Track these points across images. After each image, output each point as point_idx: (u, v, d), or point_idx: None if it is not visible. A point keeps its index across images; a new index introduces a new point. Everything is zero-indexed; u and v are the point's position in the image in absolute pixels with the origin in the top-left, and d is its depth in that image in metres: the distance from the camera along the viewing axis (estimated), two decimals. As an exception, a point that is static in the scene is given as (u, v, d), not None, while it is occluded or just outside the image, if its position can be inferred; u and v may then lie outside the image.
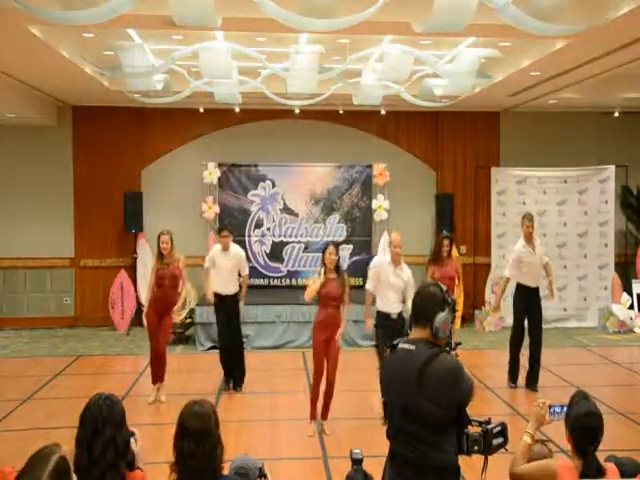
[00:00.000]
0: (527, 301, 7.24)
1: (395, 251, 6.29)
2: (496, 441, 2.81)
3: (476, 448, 2.78)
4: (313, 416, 6.09)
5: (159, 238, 7.06)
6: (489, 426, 2.80)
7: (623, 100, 10.47)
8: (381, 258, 6.46)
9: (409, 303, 6.24)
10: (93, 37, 6.86)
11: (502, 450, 2.85)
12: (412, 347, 2.81)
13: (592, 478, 2.79)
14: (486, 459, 2.81)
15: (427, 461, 2.73)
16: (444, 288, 2.91)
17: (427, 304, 2.84)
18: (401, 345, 2.86)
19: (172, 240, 7.04)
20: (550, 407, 3.02)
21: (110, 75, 8.07)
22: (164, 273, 7.00)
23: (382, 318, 6.30)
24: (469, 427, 2.80)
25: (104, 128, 10.76)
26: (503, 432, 2.84)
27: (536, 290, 7.28)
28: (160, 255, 7.04)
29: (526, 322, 7.35)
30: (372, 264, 6.52)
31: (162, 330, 7.07)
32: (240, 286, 7.39)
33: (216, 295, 7.30)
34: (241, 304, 7.42)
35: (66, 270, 10.91)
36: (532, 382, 7.25)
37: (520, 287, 7.31)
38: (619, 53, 6.96)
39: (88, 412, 2.68)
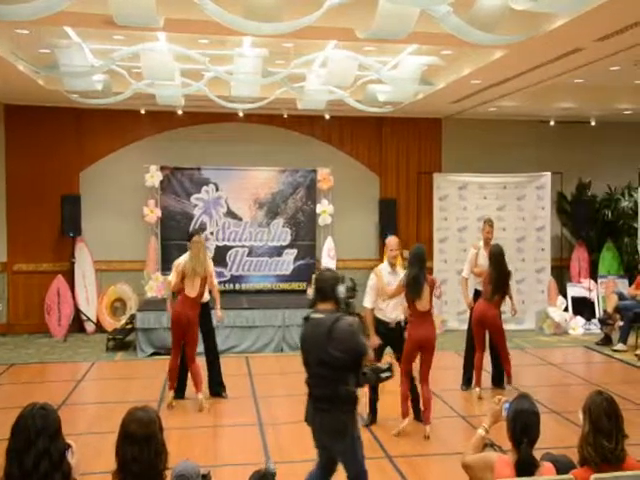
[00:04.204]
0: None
1: (392, 254, 6.35)
2: (384, 374, 4.03)
3: (372, 380, 4.02)
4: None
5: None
6: (379, 364, 4.13)
7: (558, 110, 10.85)
8: (379, 269, 6.42)
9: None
10: (27, 34, 6.63)
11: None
12: (322, 315, 3.87)
13: (525, 470, 2.95)
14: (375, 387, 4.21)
15: (336, 393, 3.81)
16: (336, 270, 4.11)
17: (327, 284, 3.94)
18: (312, 316, 3.93)
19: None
20: (505, 404, 3.24)
21: (46, 74, 7.81)
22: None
23: (380, 326, 6.22)
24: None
25: (39, 128, 10.42)
26: (390, 369, 4.06)
27: None
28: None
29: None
30: (371, 279, 6.35)
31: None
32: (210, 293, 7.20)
33: None
34: (217, 312, 7.20)
35: (-2, 275, 10.52)
36: (499, 381, 7.39)
37: (477, 293, 7.47)
38: (555, 64, 7.21)
39: (21, 422, 2.59)
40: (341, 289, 3.91)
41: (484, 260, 7.37)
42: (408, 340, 6.10)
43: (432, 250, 10.99)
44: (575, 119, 11.52)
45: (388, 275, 6.31)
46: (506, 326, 10.88)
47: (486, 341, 7.29)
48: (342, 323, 3.78)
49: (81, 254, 10.50)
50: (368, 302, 6.27)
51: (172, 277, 6.88)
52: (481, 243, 7.67)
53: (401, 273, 6.36)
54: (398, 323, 6.31)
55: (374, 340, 6.10)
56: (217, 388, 7.28)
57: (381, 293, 6.21)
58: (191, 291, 6.72)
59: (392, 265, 6.38)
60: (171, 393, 6.90)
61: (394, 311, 6.29)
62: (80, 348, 9.59)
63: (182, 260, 6.93)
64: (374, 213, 11.33)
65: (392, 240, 6.54)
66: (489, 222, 7.63)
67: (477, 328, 7.16)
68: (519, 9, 4.72)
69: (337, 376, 3.80)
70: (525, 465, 3.00)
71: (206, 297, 7.09)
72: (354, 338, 3.80)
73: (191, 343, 6.81)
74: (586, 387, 7.23)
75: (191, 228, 10.36)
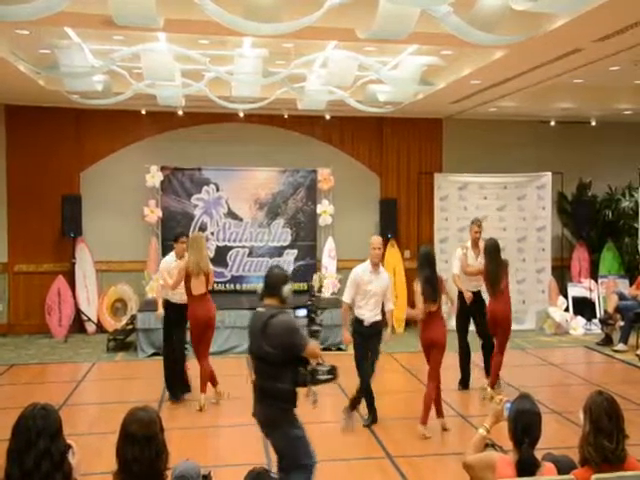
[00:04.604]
0: (470, 305, 7.36)
1: (375, 252, 6.29)
2: (324, 377, 3.97)
3: (307, 380, 3.93)
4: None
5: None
6: (318, 367, 3.97)
7: (559, 110, 10.85)
8: (361, 267, 6.42)
9: (389, 305, 6.29)
10: (27, 34, 6.63)
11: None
12: (264, 309, 4.02)
13: (526, 470, 2.95)
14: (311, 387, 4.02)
15: (269, 387, 3.93)
16: (285, 268, 4.31)
17: (274, 281, 4.09)
18: (257, 309, 4.09)
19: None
20: (506, 404, 3.24)
21: (46, 74, 7.81)
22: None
23: (359, 325, 6.22)
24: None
25: (40, 129, 10.42)
26: (331, 371, 3.99)
27: (477, 293, 7.44)
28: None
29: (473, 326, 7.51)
30: (352, 274, 6.38)
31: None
32: None
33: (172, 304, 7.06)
34: None
35: (-2, 276, 10.52)
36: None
37: (461, 292, 7.45)
38: (555, 64, 7.21)
39: (21, 423, 2.59)
40: (286, 288, 4.04)
41: (473, 260, 7.37)
42: (420, 340, 6.12)
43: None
44: (575, 119, 11.52)
45: (369, 274, 6.26)
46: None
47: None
48: (277, 319, 3.89)
49: (82, 254, 10.50)
50: (347, 297, 6.30)
51: (165, 278, 6.91)
52: (469, 243, 7.62)
53: (384, 273, 6.34)
54: (375, 323, 6.23)
55: (346, 336, 6.27)
56: (184, 388, 7.16)
57: (360, 292, 6.22)
58: (201, 287, 6.76)
59: (374, 265, 6.32)
60: (203, 395, 6.83)
61: (372, 311, 6.21)
62: (81, 348, 9.59)
63: (170, 259, 6.98)
64: (375, 213, 11.32)
65: (376, 239, 6.46)
66: (477, 222, 7.61)
67: (493, 330, 7.17)
68: (519, 9, 4.72)
69: (271, 371, 3.91)
70: (526, 465, 3.00)
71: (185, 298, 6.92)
72: (288, 335, 3.88)
73: (208, 341, 6.88)
74: (587, 387, 7.22)
75: (192, 229, 10.38)
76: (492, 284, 6.97)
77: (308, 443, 4.06)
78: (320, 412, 6.13)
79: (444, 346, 6.10)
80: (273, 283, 4.08)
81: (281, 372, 3.89)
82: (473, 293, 7.36)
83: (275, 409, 3.99)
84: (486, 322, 7.25)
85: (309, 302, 4.53)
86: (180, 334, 7.08)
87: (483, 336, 7.43)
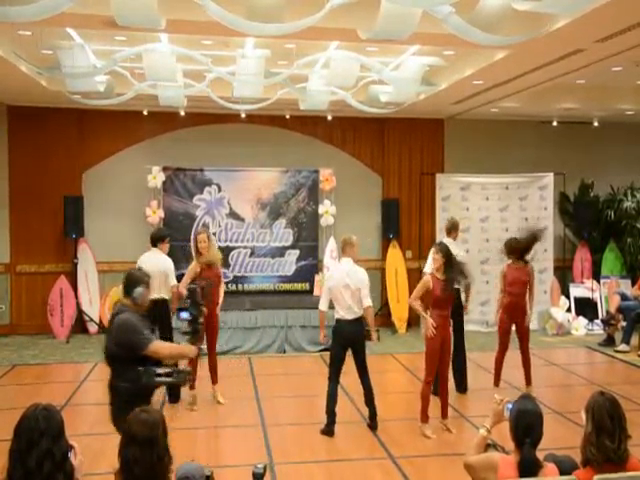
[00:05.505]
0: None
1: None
2: (161, 378, 4.03)
3: (142, 379, 3.96)
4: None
5: (196, 238, 6.89)
6: (160, 368, 4.02)
7: (561, 110, 10.84)
8: (332, 269, 6.37)
9: (367, 300, 6.13)
10: (30, 35, 6.64)
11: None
12: (117, 309, 4.19)
13: (528, 471, 2.95)
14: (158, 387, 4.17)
15: (112, 384, 4.06)
16: (145, 272, 4.35)
17: (129, 281, 4.23)
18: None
19: (210, 237, 6.89)
20: (507, 404, 3.27)
21: (48, 75, 7.82)
22: (209, 275, 6.75)
23: (340, 326, 6.11)
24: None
25: (42, 129, 10.44)
26: (173, 374, 4.06)
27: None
28: (199, 254, 6.83)
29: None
30: (326, 281, 6.35)
31: (214, 332, 6.94)
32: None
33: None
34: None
35: (0, 276, 10.52)
36: (457, 386, 7.33)
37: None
38: (556, 65, 7.20)
39: (23, 423, 2.59)
40: (138, 290, 4.17)
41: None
42: (430, 341, 6.08)
43: (434, 251, 10.99)
44: (577, 119, 11.51)
45: (345, 277, 6.16)
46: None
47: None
48: (119, 318, 4.06)
49: (84, 255, 10.51)
50: (322, 305, 6.21)
51: (173, 279, 6.95)
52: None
53: (360, 269, 6.20)
54: (358, 319, 6.11)
55: (322, 337, 6.32)
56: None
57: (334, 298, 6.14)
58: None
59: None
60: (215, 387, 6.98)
61: (353, 307, 6.08)
62: (83, 349, 9.59)
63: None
64: (377, 214, 11.32)
65: (356, 240, 6.43)
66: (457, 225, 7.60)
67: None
68: (521, 10, 4.72)
69: (114, 368, 4.06)
70: (528, 466, 2.99)
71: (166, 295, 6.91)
72: (126, 333, 3.99)
73: (215, 335, 6.96)
74: (589, 387, 7.22)
75: (193, 229, 10.39)
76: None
77: None
78: (320, 412, 6.17)
79: (450, 348, 6.21)
80: (127, 284, 4.23)
81: (124, 370, 3.98)
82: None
83: (117, 409, 3.99)
84: (460, 327, 7.21)
85: (186, 305, 4.71)
86: (166, 332, 6.78)
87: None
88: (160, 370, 4.03)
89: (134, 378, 3.95)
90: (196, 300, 4.83)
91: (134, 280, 4.23)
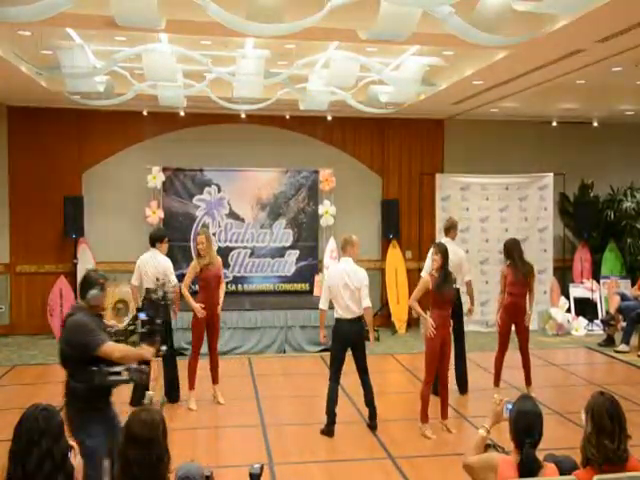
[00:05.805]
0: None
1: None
2: (114, 377, 3.96)
3: (94, 379, 3.94)
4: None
5: (196, 240, 6.91)
6: (117, 367, 3.97)
7: (561, 111, 10.84)
8: (332, 268, 6.36)
9: (366, 301, 6.10)
10: (30, 35, 6.64)
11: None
12: (74, 312, 4.10)
13: (528, 471, 2.94)
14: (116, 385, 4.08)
15: (68, 385, 4.08)
16: (101, 273, 4.29)
17: (83, 283, 4.18)
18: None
19: (209, 238, 6.86)
20: (506, 404, 3.27)
21: (48, 75, 7.83)
22: (208, 275, 6.78)
23: (340, 325, 6.11)
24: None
25: (42, 129, 10.44)
26: (128, 371, 3.96)
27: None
28: (199, 256, 6.85)
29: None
30: (326, 280, 6.34)
31: (215, 332, 6.97)
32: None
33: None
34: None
35: (0, 276, 10.51)
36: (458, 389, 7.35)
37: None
38: (557, 65, 7.20)
39: (23, 424, 2.58)
40: (92, 293, 4.15)
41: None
42: (430, 342, 6.07)
43: (434, 251, 10.99)
44: (577, 120, 11.51)
45: (345, 276, 6.12)
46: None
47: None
48: (71, 319, 4.06)
49: (83, 255, 10.49)
50: (322, 304, 6.20)
51: (174, 279, 6.89)
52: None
53: (360, 269, 6.18)
54: (359, 318, 6.12)
55: (322, 337, 6.29)
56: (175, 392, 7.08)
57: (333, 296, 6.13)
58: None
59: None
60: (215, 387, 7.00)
61: (352, 307, 6.08)
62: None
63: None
64: (376, 214, 11.32)
65: (357, 240, 6.42)
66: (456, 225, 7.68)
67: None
68: (521, 10, 4.72)
69: (67, 369, 4.09)
70: (528, 466, 2.99)
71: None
72: (77, 334, 3.98)
73: (216, 334, 6.97)
74: (588, 388, 7.21)
75: (193, 229, 10.40)
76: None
77: (101, 464, 3.56)
78: (320, 412, 6.17)
79: (450, 348, 6.25)
80: (82, 286, 4.21)
81: (77, 370, 4.00)
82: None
83: (70, 408, 4.03)
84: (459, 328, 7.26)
85: (143, 306, 4.63)
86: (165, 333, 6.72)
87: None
88: (114, 369, 3.99)
89: (88, 379, 3.95)
90: (155, 301, 4.79)
91: (89, 282, 4.19)
